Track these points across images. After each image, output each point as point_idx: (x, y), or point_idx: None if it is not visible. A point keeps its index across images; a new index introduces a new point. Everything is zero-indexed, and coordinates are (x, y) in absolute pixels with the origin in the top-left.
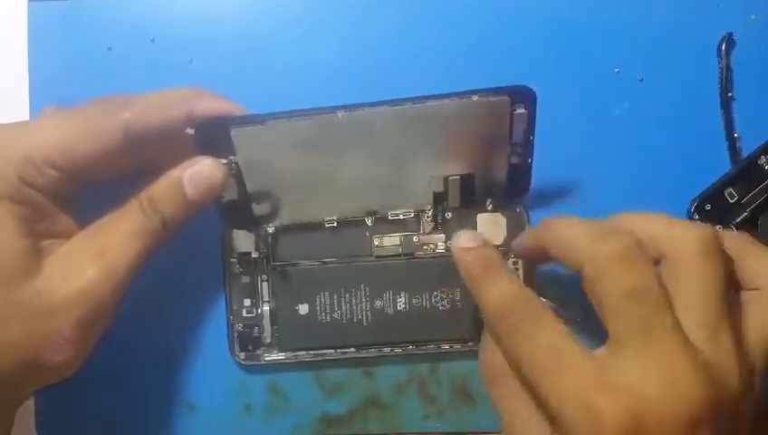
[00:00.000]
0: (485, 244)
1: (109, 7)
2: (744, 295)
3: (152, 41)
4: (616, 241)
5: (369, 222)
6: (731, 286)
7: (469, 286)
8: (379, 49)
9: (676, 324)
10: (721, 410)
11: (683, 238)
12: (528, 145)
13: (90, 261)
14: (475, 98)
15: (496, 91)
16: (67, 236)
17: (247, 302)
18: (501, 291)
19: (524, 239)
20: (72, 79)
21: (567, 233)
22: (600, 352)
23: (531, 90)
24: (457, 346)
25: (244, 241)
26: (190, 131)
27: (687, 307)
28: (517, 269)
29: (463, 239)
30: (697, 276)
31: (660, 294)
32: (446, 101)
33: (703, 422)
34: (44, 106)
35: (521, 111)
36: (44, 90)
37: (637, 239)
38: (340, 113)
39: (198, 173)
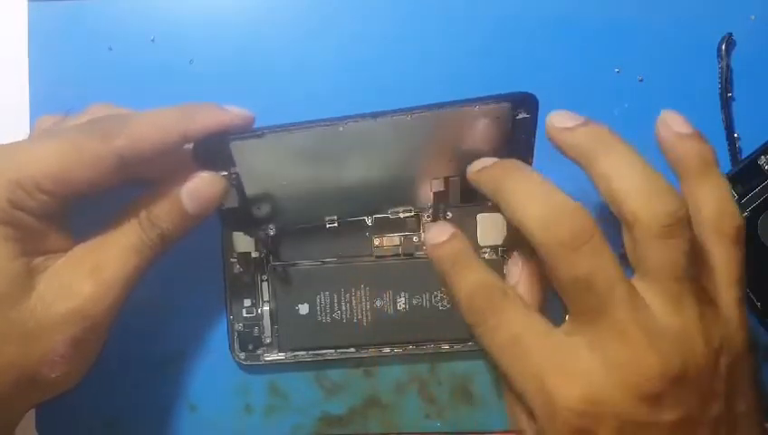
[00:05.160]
0: (454, 235)
1: (109, 7)
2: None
3: (152, 41)
4: (566, 227)
5: (368, 222)
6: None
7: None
8: (379, 49)
9: (631, 303)
10: (687, 376)
11: (645, 214)
12: (529, 147)
13: (85, 277)
14: (477, 108)
15: (498, 98)
16: (62, 250)
17: (247, 302)
18: (466, 287)
19: (476, 174)
20: (73, 79)
21: (519, 208)
22: (561, 332)
23: (533, 96)
24: (457, 346)
25: (244, 241)
26: (189, 147)
27: (647, 280)
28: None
29: (432, 233)
30: (658, 256)
31: (612, 277)
32: (447, 110)
33: (665, 394)
34: (38, 117)
35: (523, 116)
36: (45, 90)
37: (587, 220)
38: (341, 126)
39: (197, 187)
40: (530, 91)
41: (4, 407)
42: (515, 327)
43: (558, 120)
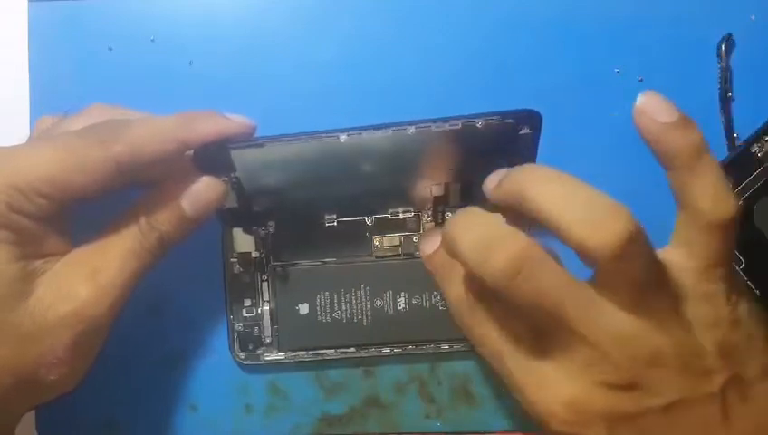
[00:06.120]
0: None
1: (109, 7)
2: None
3: (152, 41)
4: (502, 256)
5: (369, 222)
6: None
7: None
8: (380, 51)
9: (589, 307)
10: (661, 360)
11: (593, 245)
12: (532, 158)
13: (83, 281)
14: (479, 124)
15: (503, 115)
16: (60, 253)
17: (247, 302)
18: (450, 302)
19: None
20: (73, 79)
21: (459, 239)
22: (533, 340)
23: (537, 113)
24: (457, 346)
25: (244, 241)
26: (189, 153)
27: (607, 290)
28: None
29: (423, 245)
30: (615, 276)
31: (564, 294)
32: (449, 125)
33: (642, 379)
34: (38, 118)
35: (526, 131)
36: (45, 90)
37: (524, 246)
38: (342, 137)
39: (197, 192)
40: (534, 109)
41: (2, 408)
42: (494, 343)
43: (491, 181)
